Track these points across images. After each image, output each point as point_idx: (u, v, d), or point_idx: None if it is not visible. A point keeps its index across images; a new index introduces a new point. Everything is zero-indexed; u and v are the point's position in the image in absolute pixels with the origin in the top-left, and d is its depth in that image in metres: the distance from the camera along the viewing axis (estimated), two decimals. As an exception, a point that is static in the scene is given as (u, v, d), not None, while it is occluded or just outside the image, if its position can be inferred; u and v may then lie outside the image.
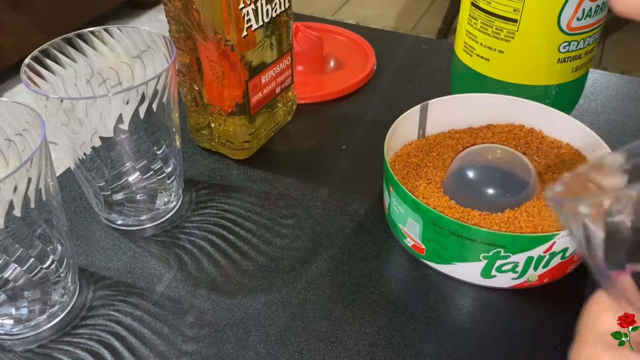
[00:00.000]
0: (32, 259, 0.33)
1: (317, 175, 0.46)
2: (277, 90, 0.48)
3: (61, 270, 0.35)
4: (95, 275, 0.39)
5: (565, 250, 0.34)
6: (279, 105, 0.49)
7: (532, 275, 0.35)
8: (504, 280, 0.36)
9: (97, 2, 1.99)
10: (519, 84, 0.46)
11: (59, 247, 0.34)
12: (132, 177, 0.40)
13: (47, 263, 0.33)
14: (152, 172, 0.40)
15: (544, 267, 0.35)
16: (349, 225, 0.42)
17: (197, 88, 0.45)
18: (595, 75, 0.58)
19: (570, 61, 0.45)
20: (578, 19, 0.42)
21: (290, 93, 0.50)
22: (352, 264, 0.39)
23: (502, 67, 0.46)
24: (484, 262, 0.35)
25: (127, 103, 0.35)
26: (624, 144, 0.20)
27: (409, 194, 0.36)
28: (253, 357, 0.33)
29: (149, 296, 0.37)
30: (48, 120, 0.34)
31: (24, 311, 0.34)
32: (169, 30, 0.43)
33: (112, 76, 0.40)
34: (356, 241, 0.40)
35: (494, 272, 0.35)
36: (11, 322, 0.34)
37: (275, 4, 0.43)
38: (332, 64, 0.59)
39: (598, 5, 0.42)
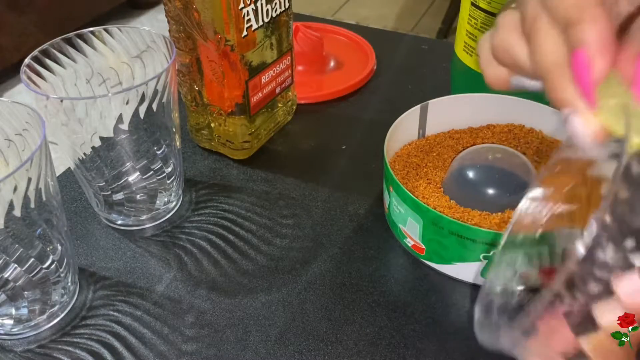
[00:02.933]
0: (32, 259, 0.32)
1: (317, 175, 0.46)
2: (277, 90, 0.48)
3: (61, 270, 0.35)
4: (95, 275, 0.39)
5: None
6: (279, 105, 0.49)
7: (532, 275, 0.35)
8: (504, 280, 0.36)
9: (97, 2, 1.99)
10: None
11: (59, 247, 0.34)
12: (132, 177, 0.40)
13: (47, 263, 0.33)
14: (152, 172, 0.40)
15: (544, 267, 0.35)
16: (349, 225, 0.42)
17: (197, 88, 0.45)
18: (595, 75, 0.58)
19: (570, 61, 0.45)
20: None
21: (290, 93, 0.50)
22: (352, 264, 0.39)
23: (502, 67, 0.46)
24: (484, 262, 0.35)
25: (127, 103, 0.35)
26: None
27: (409, 194, 0.36)
28: (253, 357, 0.33)
29: (149, 296, 0.37)
30: (48, 120, 0.34)
31: (24, 311, 0.34)
32: (169, 30, 0.43)
33: (112, 76, 0.40)
34: (356, 241, 0.40)
35: (494, 272, 0.35)
36: (11, 322, 0.34)
37: (275, 4, 0.43)
38: (332, 64, 0.59)
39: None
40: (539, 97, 0.46)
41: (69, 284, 0.36)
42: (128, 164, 0.39)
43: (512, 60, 0.22)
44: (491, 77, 0.25)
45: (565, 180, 0.20)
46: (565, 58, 0.20)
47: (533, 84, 0.23)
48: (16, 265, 0.32)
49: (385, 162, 0.38)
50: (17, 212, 0.30)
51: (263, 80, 0.45)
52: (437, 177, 0.40)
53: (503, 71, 0.24)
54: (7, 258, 0.31)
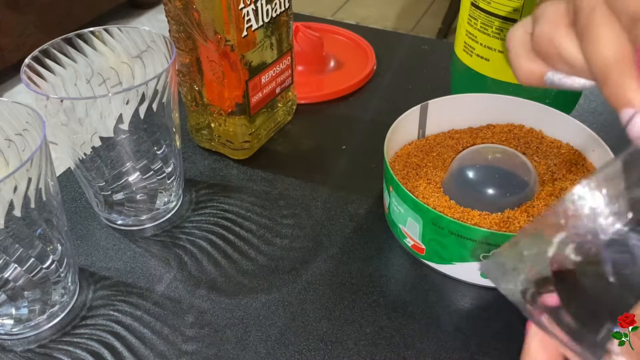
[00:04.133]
0: (32, 259, 0.33)
1: (317, 175, 0.46)
2: (277, 90, 0.48)
3: (61, 270, 0.35)
4: (95, 275, 0.39)
5: (565, 250, 0.34)
6: (279, 105, 0.49)
7: (532, 275, 0.35)
8: (504, 280, 0.36)
9: (97, 2, 1.99)
10: (519, 84, 0.46)
11: (59, 247, 0.34)
12: (132, 177, 0.40)
13: (47, 263, 0.33)
14: (152, 172, 0.40)
15: (544, 267, 0.35)
16: (349, 225, 0.42)
17: (197, 88, 0.45)
18: (595, 75, 0.58)
19: (570, 61, 0.45)
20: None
21: (290, 93, 0.50)
22: (352, 264, 0.39)
23: (502, 67, 0.46)
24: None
25: (127, 103, 0.35)
26: (624, 144, 0.20)
27: (409, 194, 0.36)
28: (253, 357, 0.33)
29: (149, 296, 0.37)
30: (48, 120, 0.34)
31: (24, 311, 0.34)
32: (169, 30, 0.43)
33: (112, 76, 0.40)
34: (356, 241, 0.40)
35: (494, 272, 0.35)
36: (11, 322, 0.34)
37: (275, 4, 0.43)
38: (332, 64, 0.59)
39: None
40: (539, 97, 0.46)
41: (69, 283, 0.36)
42: (128, 164, 0.39)
43: (556, 54, 0.21)
44: (523, 71, 0.23)
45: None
46: (629, 54, 0.18)
47: (572, 81, 0.21)
48: (16, 265, 0.32)
49: (385, 162, 0.38)
50: (17, 212, 0.30)
51: (263, 80, 0.45)
52: (437, 177, 0.40)
53: (538, 66, 0.22)
54: (7, 258, 0.31)
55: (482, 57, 0.46)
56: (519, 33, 0.23)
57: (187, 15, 0.40)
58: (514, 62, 0.23)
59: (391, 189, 0.38)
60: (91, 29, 0.39)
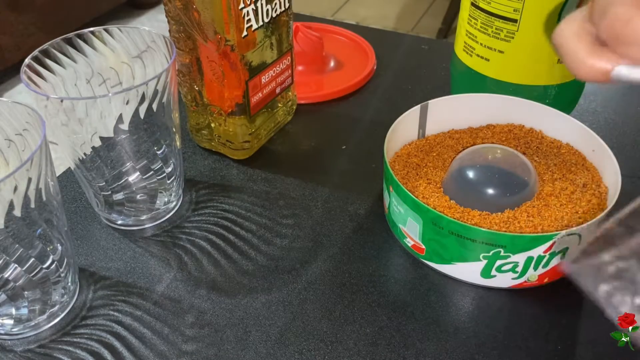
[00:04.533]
0: (32, 259, 0.33)
1: (317, 175, 0.46)
2: (277, 90, 0.48)
3: (61, 270, 0.35)
4: (95, 275, 0.39)
5: (565, 250, 0.34)
6: (279, 105, 0.49)
7: (532, 275, 0.35)
8: (504, 280, 0.36)
9: (97, 2, 1.99)
10: (519, 84, 0.46)
11: (59, 247, 0.34)
12: (132, 177, 0.40)
13: (47, 263, 0.33)
14: (152, 172, 0.40)
15: (544, 267, 0.35)
16: (349, 225, 0.42)
17: (197, 88, 0.45)
18: (595, 75, 0.58)
19: (570, 61, 0.44)
20: (578, 19, 0.42)
21: (290, 93, 0.50)
22: (352, 264, 0.39)
23: (502, 67, 0.46)
24: (484, 262, 0.35)
25: (127, 103, 0.35)
26: (624, 143, 0.19)
27: (409, 194, 0.36)
28: (253, 357, 0.33)
29: (149, 296, 0.37)
30: (48, 120, 0.34)
31: (24, 311, 0.34)
32: (169, 30, 0.43)
33: (112, 76, 0.40)
34: (356, 241, 0.40)
35: (494, 272, 0.35)
36: (11, 322, 0.34)
37: (275, 4, 0.43)
38: (332, 64, 0.59)
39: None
40: (539, 97, 0.46)
41: (69, 283, 0.36)
42: (128, 164, 0.39)
43: (637, 38, 0.19)
44: (586, 67, 0.21)
45: None
46: None
47: None
48: (16, 265, 0.32)
49: (385, 162, 0.38)
50: (17, 212, 0.30)
51: (263, 80, 0.45)
52: (437, 177, 0.40)
53: (602, 61, 0.21)
54: (7, 258, 0.31)
55: (482, 57, 0.46)
56: (573, 27, 0.22)
57: (187, 15, 0.40)
58: (573, 58, 0.22)
59: (391, 189, 0.38)
60: (91, 29, 0.39)
